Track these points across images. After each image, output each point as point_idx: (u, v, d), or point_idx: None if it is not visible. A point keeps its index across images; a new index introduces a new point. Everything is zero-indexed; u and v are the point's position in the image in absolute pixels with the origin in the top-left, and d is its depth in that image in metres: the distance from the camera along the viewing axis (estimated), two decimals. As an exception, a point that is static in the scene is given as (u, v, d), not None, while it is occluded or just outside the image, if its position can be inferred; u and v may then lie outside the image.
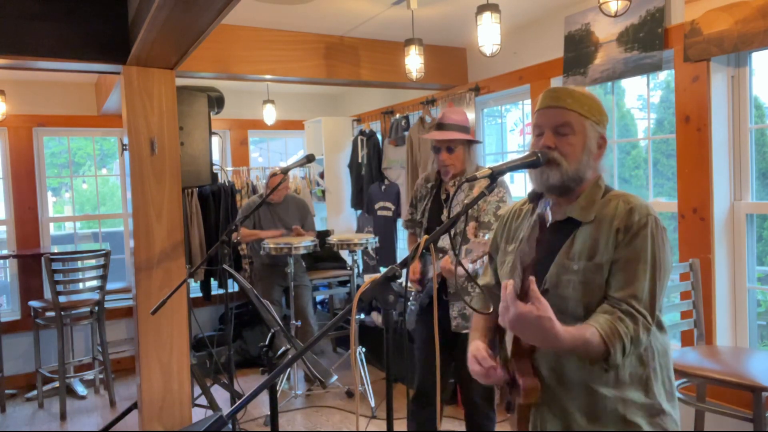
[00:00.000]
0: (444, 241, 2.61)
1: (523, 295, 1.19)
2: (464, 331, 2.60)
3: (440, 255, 2.62)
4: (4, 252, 4.91)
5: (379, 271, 5.24)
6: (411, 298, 2.87)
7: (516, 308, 1.19)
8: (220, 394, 3.89)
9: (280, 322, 1.95)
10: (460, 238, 2.56)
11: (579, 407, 1.37)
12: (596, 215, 1.38)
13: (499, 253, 1.61)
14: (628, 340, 1.26)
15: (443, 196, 2.71)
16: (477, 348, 1.49)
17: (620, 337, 1.26)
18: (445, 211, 2.67)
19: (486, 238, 2.36)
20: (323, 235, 4.75)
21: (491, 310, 1.58)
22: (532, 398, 1.36)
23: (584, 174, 1.41)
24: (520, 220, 1.56)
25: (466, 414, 2.70)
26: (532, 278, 1.19)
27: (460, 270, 2.47)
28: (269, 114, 5.15)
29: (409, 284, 2.58)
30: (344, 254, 5.23)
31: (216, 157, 4.12)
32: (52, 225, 5.16)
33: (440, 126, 2.68)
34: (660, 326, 1.40)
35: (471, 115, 4.13)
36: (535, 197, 1.52)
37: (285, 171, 2.92)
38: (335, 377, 1.91)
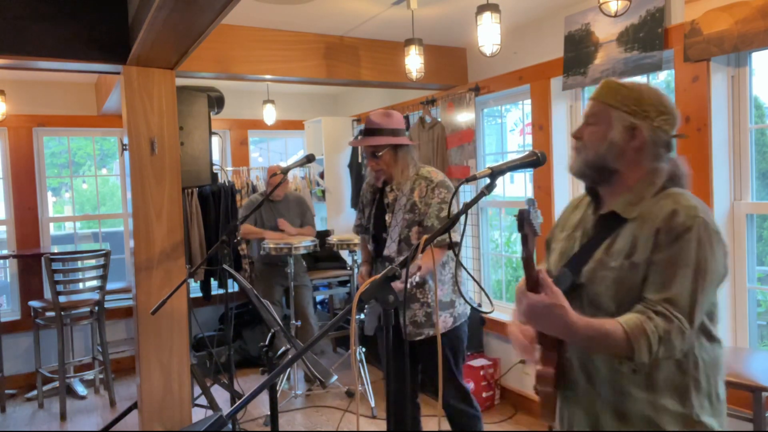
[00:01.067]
0: (390, 249, 2.59)
1: (534, 285, 1.20)
2: (417, 338, 2.59)
3: (387, 264, 2.58)
4: (4, 252, 4.91)
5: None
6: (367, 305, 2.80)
7: (527, 298, 1.21)
8: (220, 394, 3.89)
9: (280, 322, 1.95)
10: (405, 244, 2.54)
11: (607, 406, 1.35)
12: (641, 213, 1.34)
13: (553, 241, 1.59)
14: (655, 339, 1.21)
15: (386, 201, 2.67)
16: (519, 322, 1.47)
17: (646, 334, 1.20)
18: (387, 216, 2.64)
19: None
20: (323, 235, 4.75)
21: (492, 310, 1.59)
22: (542, 385, 1.35)
23: (607, 163, 1.39)
24: (577, 211, 1.55)
25: (447, 417, 2.68)
26: (541, 268, 1.20)
27: (414, 278, 2.46)
28: (269, 114, 5.15)
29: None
30: (344, 254, 5.23)
31: (216, 157, 4.11)
32: (52, 225, 5.16)
33: (365, 131, 2.63)
34: (710, 337, 1.34)
35: (470, 116, 4.13)
36: (589, 190, 1.50)
37: (285, 171, 2.92)
38: (335, 377, 1.91)
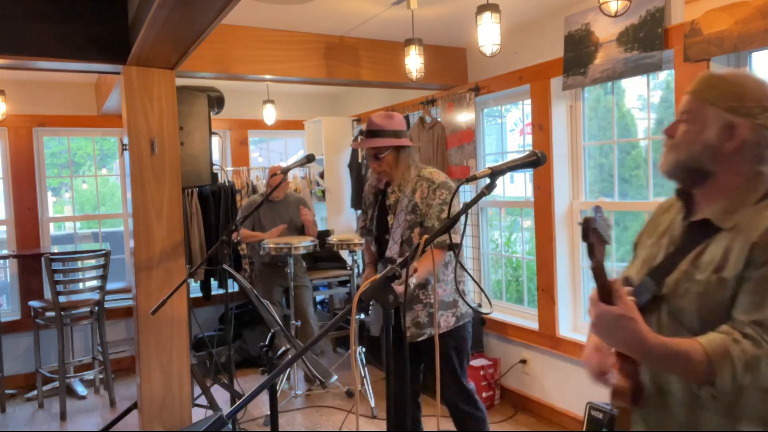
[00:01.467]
0: (392, 251, 2.59)
1: (606, 295, 1.12)
2: (418, 339, 2.59)
3: (389, 265, 2.57)
4: (4, 252, 4.91)
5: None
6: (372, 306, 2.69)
7: (596, 308, 1.12)
8: (220, 394, 3.89)
9: (280, 322, 1.96)
10: (407, 246, 2.54)
11: (676, 425, 1.23)
12: (738, 223, 1.20)
13: (639, 247, 1.48)
14: (740, 365, 1.08)
15: (388, 202, 2.67)
16: (598, 343, 1.36)
17: (730, 358, 1.08)
18: (389, 218, 2.64)
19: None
20: (323, 235, 4.76)
21: (492, 311, 1.58)
22: (617, 400, 1.26)
23: (701, 165, 1.25)
24: (667, 215, 1.42)
25: (452, 419, 2.67)
26: (617, 278, 1.13)
27: (410, 280, 2.43)
28: (269, 114, 5.15)
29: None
30: (344, 254, 5.23)
31: (216, 157, 4.13)
32: (52, 225, 5.17)
33: (366, 133, 2.63)
34: None
35: (470, 116, 4.13)
36: (680, 193, 1.36)
37: (285, 171, 2.92)
38: (335, 377, 1.91)
